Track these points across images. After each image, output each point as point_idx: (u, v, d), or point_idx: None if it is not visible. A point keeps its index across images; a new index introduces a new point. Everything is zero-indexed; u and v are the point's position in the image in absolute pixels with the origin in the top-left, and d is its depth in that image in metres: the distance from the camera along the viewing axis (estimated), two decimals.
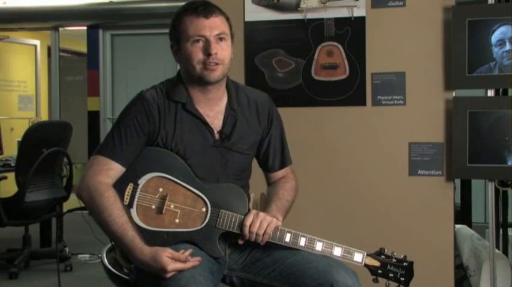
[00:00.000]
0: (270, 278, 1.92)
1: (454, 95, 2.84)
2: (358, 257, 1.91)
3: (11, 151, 5.36)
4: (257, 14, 3.02)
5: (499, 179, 2.86)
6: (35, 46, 8.44)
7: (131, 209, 1.90)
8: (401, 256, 1.93)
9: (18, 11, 7.14)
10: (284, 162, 2.14)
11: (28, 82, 8.39)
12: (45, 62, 8.61)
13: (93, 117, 7.32)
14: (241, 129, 2.01)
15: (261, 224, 1.89)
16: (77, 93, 8.33)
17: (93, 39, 7.32)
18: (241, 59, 3.00)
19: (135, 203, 1.91)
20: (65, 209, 4.85)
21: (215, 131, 1.98)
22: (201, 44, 1.92)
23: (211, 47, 1.90)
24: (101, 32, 7.28)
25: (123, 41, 7.41)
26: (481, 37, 2.75)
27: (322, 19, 2.96)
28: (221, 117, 2.00)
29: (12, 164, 4.70)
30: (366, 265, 1.91)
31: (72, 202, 4.16)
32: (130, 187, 1.92)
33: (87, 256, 5.05)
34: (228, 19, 1.99)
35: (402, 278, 1.91)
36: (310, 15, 2.96)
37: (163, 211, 1.90)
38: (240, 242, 1.93)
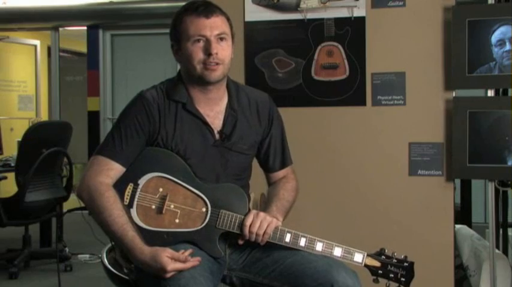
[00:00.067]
0: (270, 278, 1.92)
1: (454, 95, 2.84)
2: (358, 257, 1.90)
3: (11, 151, 5.36)
4: (257, 14, 3.02)
5: (499, 179, 2.86)
6: (35, 46, 8.43)
7: (131, 209, 1.90)
8: (402, 257, 1.93)
9: (18, 11, 7.14)
10: (284, 162, 2.14)
11: (28, 82, 8.39)
12: (45, 62, 8.61)
13: (93, 118, 7.32)
14: (241, 130, 2.01)
15: (261, 224, 1.89)
16: (76, 94, 8.33)
17: (93, 39, 7.32)
18: (241, 59, 3.00)
19: (135, 203, 1.91)
20: (65, 209, 4.84)
21: (215, 131, 1.98)
22: (201, 43, 1.91)
23: (212, 47, 1.90)
24: (100, 32, 7.28)
25: (123, 41, 7.40)
26: (481, 37, 2.75)
27: (322, 19, 2.95)
28: (221, 117, 2.00)
29: (12, 164, 4.70)
30: (366, 266, 1.91)
31: (72, 202, 4.16)
32: (130, 187, 1.92)
33: (87, 256, 5.04)
34: (228, 19, 1.99)
35: (403, 279, 1.90)
36: (310, 15, 2.96)
37: (163, 211, 1.90)
38: (240, 242, 1.93)
